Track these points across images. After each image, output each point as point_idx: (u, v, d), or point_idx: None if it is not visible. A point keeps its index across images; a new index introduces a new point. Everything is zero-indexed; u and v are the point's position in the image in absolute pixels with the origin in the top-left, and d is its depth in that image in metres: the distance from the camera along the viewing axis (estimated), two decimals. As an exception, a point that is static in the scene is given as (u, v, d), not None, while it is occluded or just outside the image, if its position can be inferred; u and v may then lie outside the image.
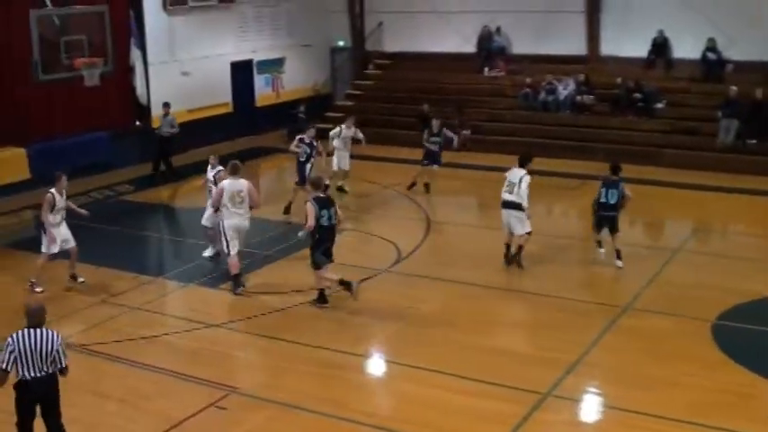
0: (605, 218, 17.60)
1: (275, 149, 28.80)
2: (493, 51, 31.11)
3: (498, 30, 30.96)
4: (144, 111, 27.07)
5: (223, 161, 17.75)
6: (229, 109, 30.69)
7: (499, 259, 17.62)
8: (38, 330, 10.06)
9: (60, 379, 10.27)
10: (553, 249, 18.70)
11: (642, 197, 22.79)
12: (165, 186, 24.91)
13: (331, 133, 23.43)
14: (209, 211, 17.56)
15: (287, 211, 21.26)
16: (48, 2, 22.34)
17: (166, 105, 25.74)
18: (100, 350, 13.88)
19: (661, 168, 24.90)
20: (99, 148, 25.50)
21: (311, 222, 14.96)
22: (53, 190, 16.29)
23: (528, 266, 17.36)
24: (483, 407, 11.97)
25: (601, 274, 17.76)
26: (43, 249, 16.53)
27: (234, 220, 16.24)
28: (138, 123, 27.26)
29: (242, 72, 31.15)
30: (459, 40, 31.55)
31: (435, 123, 23.70)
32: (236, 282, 16.35)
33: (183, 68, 28.55)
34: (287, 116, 30.93)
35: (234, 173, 16.42)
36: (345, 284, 15.52)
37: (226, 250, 16.44)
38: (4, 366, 9.93)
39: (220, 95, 30.27)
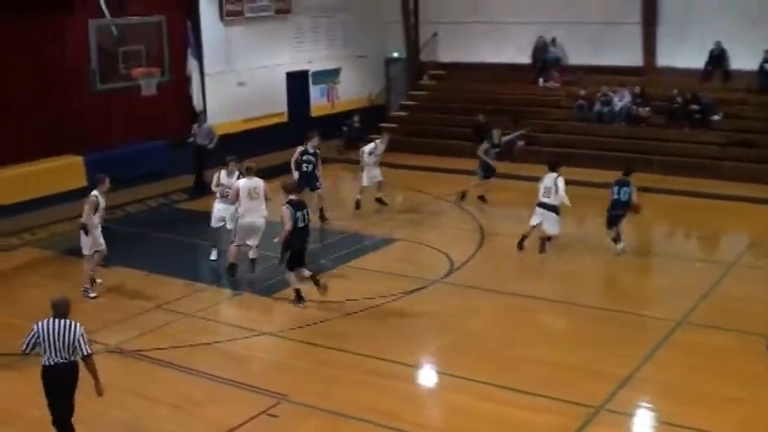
0: (616, 216, 18.71)
1: (329, 159, 28.88)
2: (548, 62, 30.98)
3: (554, 41, 30.82)
4: (200, 120, 27.29)
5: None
6: (284, 119, 30.82)
7: (552, 271, 17.56)
8: (61, 321, 10.91)
9: (83, 367, 10.90)
10: (606, 262, 18.57)
11: (698, 210, 22.66)
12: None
13: (366, 149, 22.78)
14: (223, 213, 18.11)
15: (322, 218, 21.38)
16: (106, 12, 22.63)
17: (201, 115, 26.00)
18: (153, 356, 14.02)
19: (717, 181, 24.56)
20: (155, 156, 25.73)
21: (289, 226, 15.58)
22: (96, 192, 16.57)
23: (582, 278, 17.26)
24: (535, 420, 11.90)
25: (656, 287, 17.60)
26: (86, 252, 16.75)
27: (247, 219, 17.28)
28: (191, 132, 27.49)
29: (297, 82, 31.29)
30: (514, 51, 31.43)
31: (496, 134, 23.59)
32: (231, 270, 17.55)
33: (239, 78, 28.76)
34: (341, 126, 31.06)
35: (249, 173, 17.54)
36: (315, 281, 16.05)
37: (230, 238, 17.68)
38: (23, 348, 10.99)
39: (276, 105, 30.42)
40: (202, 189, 23.32)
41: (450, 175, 26.18)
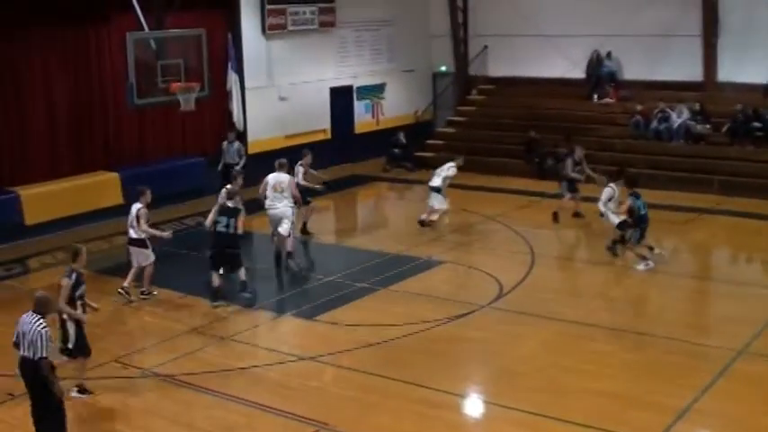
0: (646, 228, 19.28)
1: (373, 178, 28.91)
2: (603, 77, 30.80)
3: (609, 54, 30.62)
4: (240, 136, 27.37)
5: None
6: (327, 136, 30.90)
7: (606, 297, 17.37)
8: (33, 316, 11.33)
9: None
10: (662, 287, 18.35)
11: (760, 233, 22.31)
12: (256, 214, 25.08)
13: (450, 173, 22.69)
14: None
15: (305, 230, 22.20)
16: (145, 25, 22.79)
17: (232, 131, 26.07)
18: (188, 381, 14.02)
19: (781, 202, 24.27)
20: (193, 174, 25.86)
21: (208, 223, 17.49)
22: (140, 204, 17.50)
23: (636, 304, 17.06)
24: (587, 452, 11.74)
25: (715, 314, 17.34)
26: (141, 263, 17.67)
27: (270, 211, 19.64)
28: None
29: (341, 98, 31.37)
30: (566, 65, 31.30)
31: (579, 151, 23.46)
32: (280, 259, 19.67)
33: (280, 93, 28.87)
34: (390, 144, 31.07)
35: (279, 168, 19.73)
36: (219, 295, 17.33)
37: None
38: (13, 340, 11.45)
39: (318, 122, 30.50)
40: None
41: (499, 194, 26.07)
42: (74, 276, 13.35)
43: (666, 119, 28.31)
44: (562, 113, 30.54)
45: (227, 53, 26.81)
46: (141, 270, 17.88)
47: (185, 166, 25.67)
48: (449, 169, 22.63)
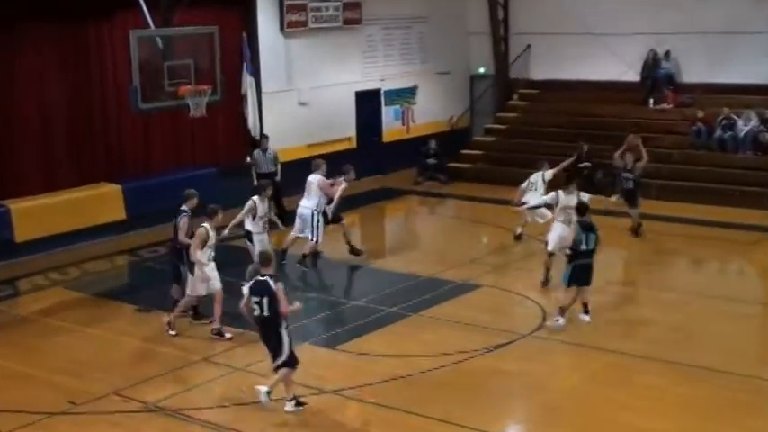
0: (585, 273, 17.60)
1: (403, 191, 28.96)
2: (659, 80, 30.76)
3: (667, 54, 30.59)
4: (256, 145, 27.49)
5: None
6: (353, 145, 30.99)
7: (660, 325, 17.34)
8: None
9: None
10: (725, 315, 18.27)
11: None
12: (278, 231, 25.17)
13: (548, 177, 22.88)
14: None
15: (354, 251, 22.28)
16: (151, 22, 22.92)
17: (265, 138, 26.20)
18: (197, 416, 14.08)
19: None
20: (204, 186, 25.80)
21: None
22: (206, 224, 17.12)
23: (696, 334, 17.01)
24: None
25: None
26: (188, 291, 17.34)
27: (297, 210, 21.39)
28: (249, 159, 27.70)
29: (368, 103, 31.46)
30: (619, 67, 31.27)
31: (629, 158, 23.50)
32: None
33: (300, 98, 29.00)
34: (418, 153, 31.12)
35: (314, 168, 21.43)
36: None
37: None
38: None
39: (343, 129, 30.61)
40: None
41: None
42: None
43: (732, 127, 28.25)
44: (614, 121, 30.48)
45: (241, 53, 26.94)
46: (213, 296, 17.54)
47: (195, 178, 25.64)
48: (545, 174, 22.64)
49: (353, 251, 22.19)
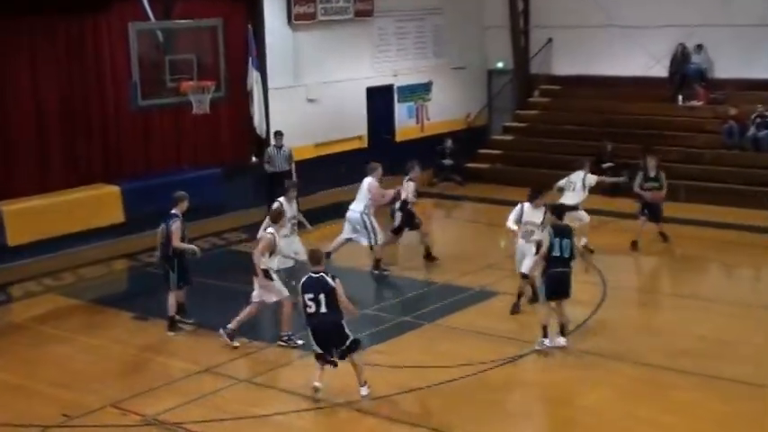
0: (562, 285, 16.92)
1: (418, 193, 28.88)
2: (690, 75, 30.67)
3: (698, 48, 30.49)
4: (262, 144, 27.51)
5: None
6: (363, 144, 30.97)
7: (692, 336, 17.26)
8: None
9: None
10: (761, 325, 18.18)
11: None
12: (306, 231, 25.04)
13: (591, 182, 22.74)
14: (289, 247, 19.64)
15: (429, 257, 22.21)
16: (151, 13, 22.92)
17: (279, 135, 26.18)
18: (199, 430, 14.05)
19: None
20: (208, 187, 25.91)
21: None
22: (272, 230, 17.20)
23: (729, 345, 16.94)
24: None
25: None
26: (254, 298, 17.30)
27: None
28: (254, 159, 27.73)
29: (380, 99, 31.45)
30: (646, 61, 31.21)
31: (651, 162, 23.36)
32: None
33: (309, 94, 29.00)
34: (432, 153, 31.08)
35: (369, 172, 21.97)
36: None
37: None
38: None
39: (353, 127, 30.60)
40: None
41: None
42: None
43: (766, 125, 28.17)
44: (641, 119, 30.46)
45: (246, 47, 26.95)
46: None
47: (198, 179, 25.65)
48: (587, 178, 22.44)
49: (428, 257, 22.28)
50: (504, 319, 18.50)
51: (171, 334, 17.85)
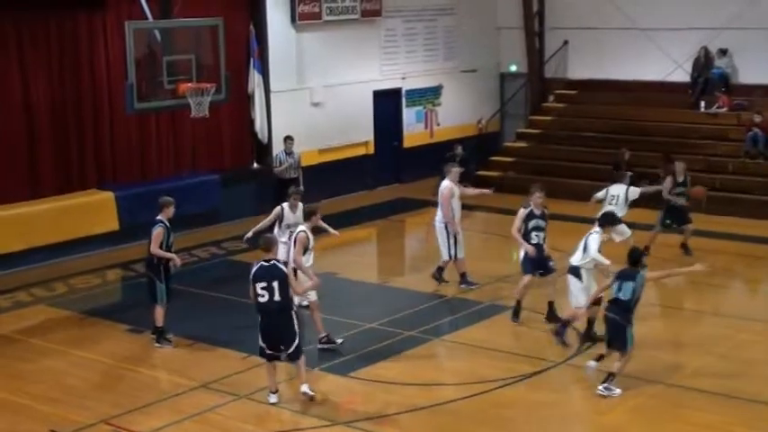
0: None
1: (426, 202, 28.91)
2: (712, 80, 30.65)
3: (723, 52, 30.47)
4: (264, 149, 27.53)
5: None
6: (370, 150, 31.01)
7: (714, 354, 17.22)
8: None
9: None
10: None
11: None
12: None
13: (633, 196, 22.31)
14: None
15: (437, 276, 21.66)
16: (148, 12, 22.95)
17: (290, 139, 26.15)
18: (195, 450, 14.06)
19: None
20: (206, 194, 26.00)
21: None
22: (305, 227, 17.37)
23: (753, 364, 16.90)
24: None
25: None
26: (311, 299, 17.53)
27: None
28: (256, 165, 27.75)
29: (387, 103, 31.48)
30: (667, 65, 31.23)
31: (680, 167, 23.33)
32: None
33: (313, 98, 29.03)
34: (442, 160, 31.03)
35: (446, 174, 21.38)
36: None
37: None
38: None
39: (359, 133, 30.64)
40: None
41: (581, 224, 25.84)
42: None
43: (794, 133, 28.20)
44: (660, 126, 30.46)
45: (248, 48, 27.00)
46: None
47: (196, 186, 25.79)
48: (630, 192, 22.16)
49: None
50: (515, 334, 18.49)
51: (157, 346, 17.84)
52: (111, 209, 24.15)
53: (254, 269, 14.98)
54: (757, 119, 28.84)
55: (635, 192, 22.17)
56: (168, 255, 17.78)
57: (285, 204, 19.67)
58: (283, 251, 18.76)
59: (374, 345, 17.91)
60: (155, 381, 16.65)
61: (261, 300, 14.84)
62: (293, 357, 15.13)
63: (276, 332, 14.95)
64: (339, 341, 17.61)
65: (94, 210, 24.03)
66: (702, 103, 30.77)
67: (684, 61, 31.00)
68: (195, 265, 23.15)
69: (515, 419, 15.05)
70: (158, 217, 17.84)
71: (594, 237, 17.32)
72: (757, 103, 29.69)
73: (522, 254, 19.01)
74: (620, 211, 21.65)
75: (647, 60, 31.54)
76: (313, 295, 17.49)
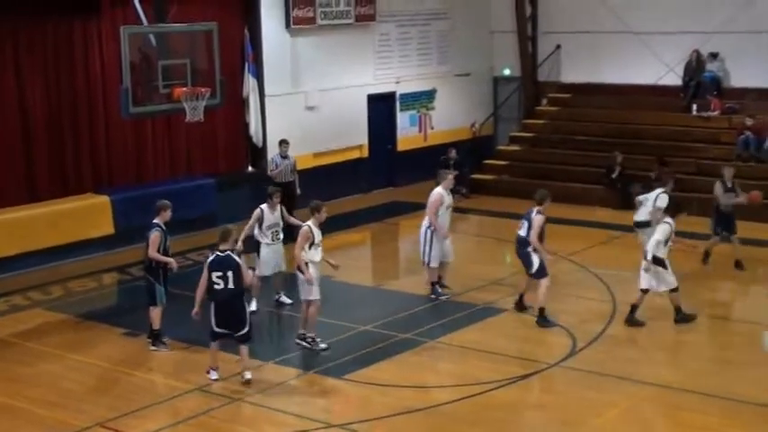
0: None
1: (420, 205, 28.88)
2: (704, 84, 30.69)
3: (714, 56, 30.52)
4: (258, 153, 27.55)
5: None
6: (364, 153, 31.02)
7: (708, 358, 17.25)
8: None
9: None
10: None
11: None
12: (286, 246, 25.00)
13: (661, 204, 21.24)
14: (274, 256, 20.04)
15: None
16: (143, 17, 22.96)
17: (285, 143, 26.12)
18: (190, 452, 14.08)
19: None
20: (201, 198, 25.99)
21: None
22: (310, 222, 17.51)
23: (747, 365, 16.93)
24: None
25: None
26: (311, 296, 17.58)
27: None
28: (251, 169, 27.76)
29: (381, 107, 31.50)
30: (659, 69, 31.29)
31: (728, 172, 23.04)
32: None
33: (308, 102, 29.05)
34: (436, 164, 31.06)
35: (440, 180, 21.18)
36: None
37: None
38: None
39: (353, 136, 30.67)
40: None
41: (574, 227, 25.98)
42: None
43: (784, 136, 28.23)
44: (653, 129, 30.50)
45: (243, 52, 27.01)
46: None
47: (191, 189, 25.79)
48: (659, 198, 21.84)
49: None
50: (510, 337, 18.53)
51: (153, 349, 17.88)
52: (106, 213, 24.15)
53: (210, 259, 16.19)
54: (749, 122, 28.88)
55: (663, 200, 21.20)
56: (165, 258, 17.82)
57: (264, 206, 19.69)
58: (267, 253, 18.93)
59: (369, 347, 17.93)
60: (151, 384, 16.68)
61: (216, 287, 15.95)
62: (243, 340, 16.17)
63: (230, 316, 16.07)
64: (323, 346, 17.59)
65: (90, 213, 24.04)
66: (694, 107, 30.82)
67: (676, 65, 31.06)
68: (190, 269, 23.12)
69: (509, 421, 15.08)
70: (155, 221, 17.87)
71: (663, 226, 18.51)
72: (749, 107, 29.75)
73: (539, 260, 19.02)
74: (645, 216, 21.53)
75: (640, 64, 31.58)
76: (316, 294, 17.51)
